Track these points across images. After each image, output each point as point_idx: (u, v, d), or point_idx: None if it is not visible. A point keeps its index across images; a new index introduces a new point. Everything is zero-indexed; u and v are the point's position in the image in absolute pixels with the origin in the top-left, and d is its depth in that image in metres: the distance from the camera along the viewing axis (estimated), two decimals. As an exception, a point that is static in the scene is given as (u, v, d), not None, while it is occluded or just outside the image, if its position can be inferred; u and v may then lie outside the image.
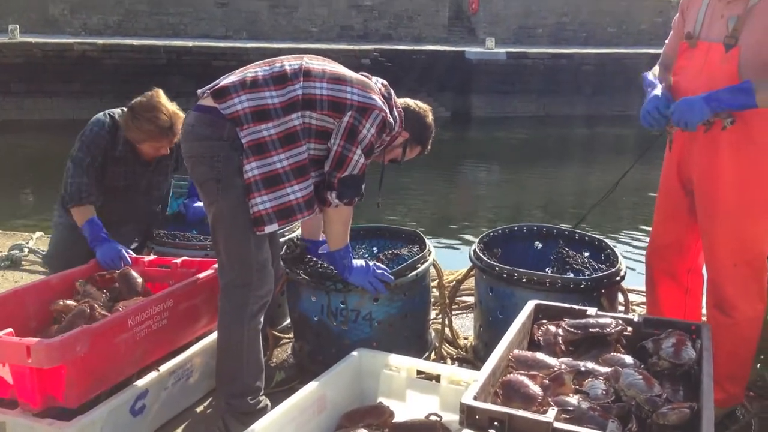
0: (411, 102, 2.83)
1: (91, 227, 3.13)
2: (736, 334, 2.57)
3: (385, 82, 2.72)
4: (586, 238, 3.30)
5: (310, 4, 19.21)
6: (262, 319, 2.61)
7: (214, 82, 2.55)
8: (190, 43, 15.61)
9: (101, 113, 3.36)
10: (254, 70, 2.53)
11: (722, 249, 2.55)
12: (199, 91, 2.56)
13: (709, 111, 2.35)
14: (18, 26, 14.75)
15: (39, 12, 16.66)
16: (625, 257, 3.11)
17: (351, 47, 17.15)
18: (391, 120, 2.62)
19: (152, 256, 3.18)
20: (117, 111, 3.33)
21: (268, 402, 2.57)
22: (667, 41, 2.81)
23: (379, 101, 2.56)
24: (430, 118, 2.86)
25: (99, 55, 14.50)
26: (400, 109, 2.73)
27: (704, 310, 2.78)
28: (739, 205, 2.49)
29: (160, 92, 3.22)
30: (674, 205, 2.75)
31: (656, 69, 2.79)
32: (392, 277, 2.82)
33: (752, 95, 2.29)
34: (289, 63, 2.55)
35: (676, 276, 2.82)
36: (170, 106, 3.21)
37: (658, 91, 2.58)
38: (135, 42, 15.27)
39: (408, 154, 2.86)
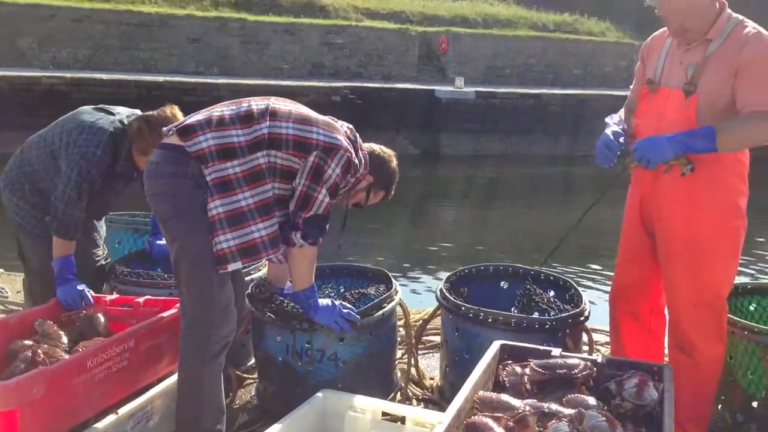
0: (376, 147, 2.85)
1: (63, 264, 3.00)
2: (697, 375, 2.60)
3: (351, 126, 2.74)
4: (551, 277, 3.33)
5: (281, 41, 19.33)
6: (223, 360, 2.58)
7: (180, 121, 2.55)
8: (160, 78, 15.59)
9: (95, 125, 3.08)
10: (221, 109, 2.54)
11: (682, 290, 2.60)
12: (164, 129, 2.56)
13: (671, 152, 2.43)
14: (-16, 59, 14.66)
15: (7, 45, 16.51)
16: (589, 296, 3.14)
17: (322, 84, 17.27)
18: (356, 161, 2.63)
19: (114, 295, 3.13)
20: (114, 121, 3.13)
21: None
22: (632, 87, 2.89)
23: (344, 141, 2.58)
24: (395, 163, 2.87)
25: (67, 89, 14.38)
26: (365, 152, 2.73)
27: (667, 351, 2.81)
28: (697, 245, 2.54)
29: (176, 108, 3.12)
30: (636, 247, 2.79)
31: (621, 111, 2.87)
32: (358, 316, 2.81)
33: (714, 140, 2.38)
34: (255, 103, 2.56)
35: (638, 316, 2.86)
36: None
37: (611, 129, 2.66)
38: (104, 76, 15.20)
39: (371, 199, 2.86)
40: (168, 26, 18.11)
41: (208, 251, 2.44)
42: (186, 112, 2.69)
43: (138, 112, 3.24)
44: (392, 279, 3.26)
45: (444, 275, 3.39)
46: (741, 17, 2.53)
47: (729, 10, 2.52)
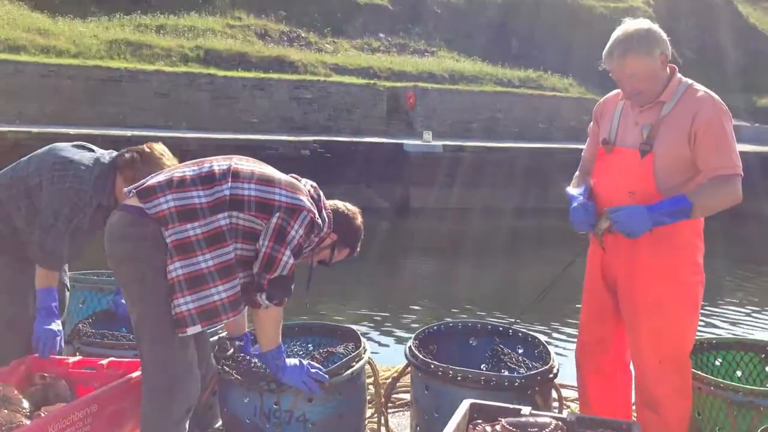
0: (340, 204, 2.87)
1: (47, 296, 2.96)
2: None
3: (315, 184, 2.76)
4: (519, 334, 3.34)
5: (251, 96, 19.47)
6: (187, 426, 2.53)
7: (140, 182, 2.55)
8: (128, 133, 15.53)
9: (83, 162, 3.09)
10: (182, 170, 2.55)
11: (647, 346, 2.63)
12: (125, 189, 2.57)
13: (651, 224, 2.49)
14: (-50, 114, 14.53)
15: (-27, 100, 16.45)
16: (557, 352, 3.15)
17: (291, 138, 17.36)
18: (320, 221, 2.65)
19: (77, 357, 3.07)
20: (98, 158, 3.16)
21: None
22: (585, 147, 2.96)
23: (307, 202, 2.59)
24: (359, 220, 2.88)
25: (33, 144, 14.20)
26: (329, 210, 2.77)
27: (635, 408, 2.82)
28: (659, 302, 2.58)
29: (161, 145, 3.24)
30: (599, 305, 2.83)
31: (576, 175, 2.93)
32: (327, 376, 2.79)
33: (689, 213, 2.48)
34: (217, 163, 2.57)
35: (604, 373, 2.88)
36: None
37: (579, 197, 2.71)
38: (72, 131, 15.10)
39: (336, 256, 2.87)
40: (137, 81, 18.14)
41: (168, 314, 2.41)
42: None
43: (113, 152, 3.27)
44: (361, 337, 3.24)
45: (413, 330, 3.38)
46: (690, 81, 2.65)
47: (679, 75, 2.64)
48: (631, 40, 2.55)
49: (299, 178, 2.76)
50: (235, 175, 2.53)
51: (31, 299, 3.12)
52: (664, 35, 2.60)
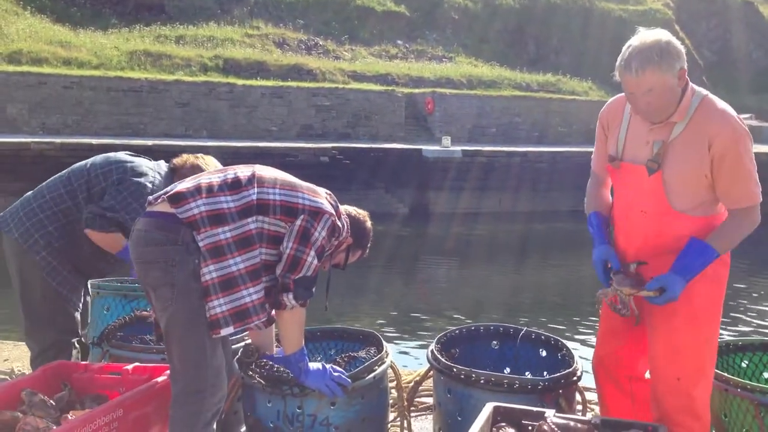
0: (351, 209, 2.94)
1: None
2: None
3: (329, 192, 2.83)
4: (542, 337, 3.32)
5: (269, 104, 19.61)
6: (214, 427, 2.55)
7: (167, 189, 2.60)
8: (149, 142, 15.70)
9: (143, 161, 3.44)
10: (208, 177, 2.61)
11: (663, 361, 2.60)
12: (150, 197, 2.62)
13: (685, 283, 2.45)
14: (-26, 126, 14.79)
15: (-3, 112, 16.72)
16: (582, 353, 3.13)
17: (310, 145, 17.45)
18: (340, 225, 2.72)
19: (104, 362, 3.10)
20: (155, 168, 3.44)
21: None
22: (593, 155, 2.87)
23: (328, 206, 2.66)
24: (369, 223, 2.97)
25: (57, 154, 14.45)
26: (346, 216, 2.83)
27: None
28: (696, 317, 2.56)
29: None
30: (618, 322, 2.80)
31: (589, 191, 2.87)
32: (349, 380, 2.79)
33: (713, 257, 2.44)
34: (241, 171, 2.64)
35: (618, 383, 2.86)
36: None
37: (600, 248, 2.66)
38: (94, 141, 15.31)
39: (350, 259, 2.95)
40: (157, 91, 18.36)
41: (201, 317, 2.45)
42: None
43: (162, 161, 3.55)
44: (383, 341, 3.24)
45: (435, 334, 3.38)
46: (704, 93, 2.52)
47: (692, 85, 2.51)
48: (651, 53, 2.37)
49: (315, 186, 2.81)
50: (260, 180, 2.59)
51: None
52: (682, 48, 2.45)
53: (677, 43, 2.44)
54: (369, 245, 2.99)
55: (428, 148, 18.60)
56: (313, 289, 2.63)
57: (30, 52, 18.47)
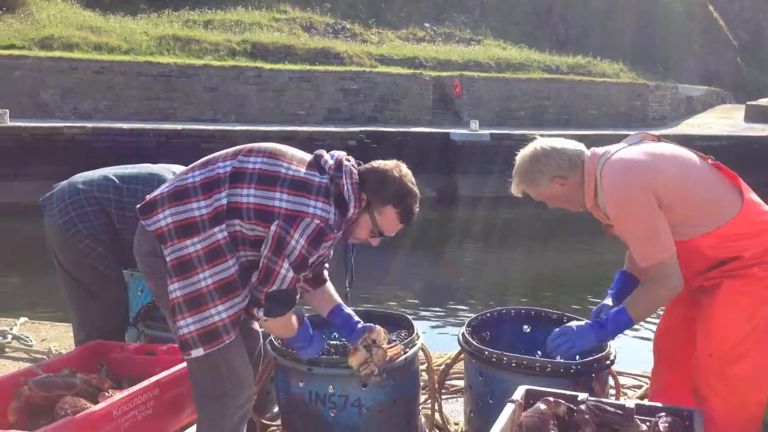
0: (375, 162, 2.49)
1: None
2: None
3: (343, 155, 2.46)
4: (575, 321, 3.30)
5: (297, 88, 19.61)
6: (244, 430, 2.51)
7: (152, 195, 2.44)
8: (179, 126, 15.83)
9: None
10: (187, 175, 2.40)
11: (699, 335, 2.58)
12: (138, 205, 2.46)
13: (596, 340, 2.63)
14: (8, 111, 14.94)
15: (30, 98, 16.87)
16: (614, 340, 3.10)
17: (338, 129, 17.44)
18: (330, 223, 2.32)
19: (139, 342, 3.15)
20: None
21: None
22: None
23: (311, 206, 2.29)
24: (396, 172, 2.42)
25: (89, 139, 14.64)
26: (356, 180, 2.39)
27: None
28: (721, 296, 2.53)
29: None
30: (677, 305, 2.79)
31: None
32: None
33: (628, 319, 2.56)
34: (223, 163, 2.38)
35: (675, 360, 2.81)
36: None
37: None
38: (125, 125, 15.47)
39: (382, 222, 2.43)
40: (186, 76, 18.45)
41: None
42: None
43: None
44: (413, 323, 3.25)
45: (465, 318, 3.38)
46: (602, 162, 2.61)
47: (588, 163, 2.63)
48: (519, 172, 2.64)
49: (320, 156, 2.44)
50: (234, 178, 2.32)
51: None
52: (554, 154, 2.60)
53: (548, 150, 2.62)
54: (406, 199, 2.42)
55: (456, 131, 18.49)
56: (292, 302, 2.38)
57: (61, 38, 18.66)
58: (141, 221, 2.39)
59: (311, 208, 2.28)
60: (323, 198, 2.31)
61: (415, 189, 2.44)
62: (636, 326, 2.95)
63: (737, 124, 22.78)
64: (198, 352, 2.32)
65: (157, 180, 3.32)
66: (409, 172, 2.46)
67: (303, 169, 2.37)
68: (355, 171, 2.40)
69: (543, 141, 2.68)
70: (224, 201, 2.29)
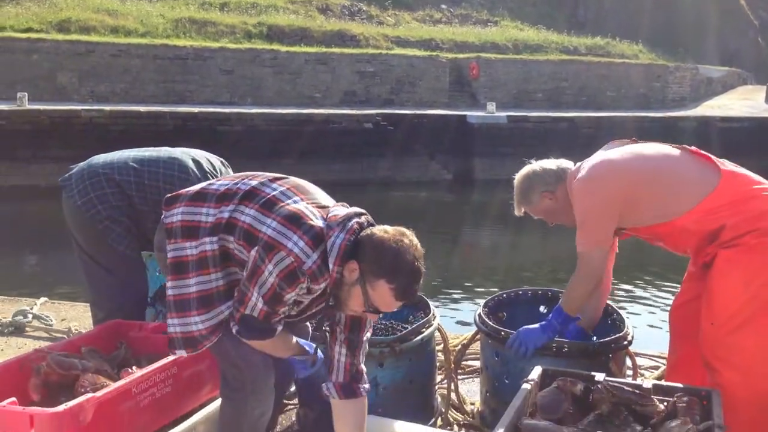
0: (377, 229, 2.21)
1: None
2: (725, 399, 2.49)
3: (360, 211, 2.27)
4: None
5: (313, 71, 19.57)
6: (265, 424, 2.50)
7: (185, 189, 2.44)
8: (195, 109, 15.87)
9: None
10: (220, 180, 2.41)
11: (704, 305, 2.58)
12: (168, 195, 2.44)
13: (546, 339, 2.78)
14: (26, 94, 15.04)
15: (48, 81, 16.97)
16: (632, 320, 3.10)
17: (354, 112, 17.41)
18: (312, 268, 2.12)
19: (157, 322, 3.18)
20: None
21: None
22: None
23: (292, 242, 2.12)
24: (395, 243, 2.13)
25: (106, 122, 14.72)
26: (349, 239, 2.15)
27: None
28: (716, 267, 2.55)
29: None
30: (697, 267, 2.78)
31: None
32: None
33: (567, 317, 2.78)
34: (248, 181, 2.34)
35: (690, 336, 2.79)
36: None
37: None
38: (142, 108, 15.52)
39: (374, 297, 2.15)
40: (202, 59, 18.46)
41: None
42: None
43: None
44: (430, 304, 3.25)
45: (481, 300, 3.37)
46: (575, 175, 2.77)
47: (568, 179, 2.80)
48: (516, 192, 2.92)
49: (346, 208, 2.29)
50: (246, 196, 2.27)
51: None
52: (540, 171, 2.86)
53: (537, 169, 2.88)
54: (404, 279, 2.12)
55: (473, 113, 18.40)
56: (265, 333, 2.24)
57: (78, 21, 18.71)
58: (163, 211, 2.40)
59: (291, 243, 2.12)
60: (310, 240, 2.14)
61: (418, 264, 2.14)
62: (654, 307, 2.94)
63: (758, 106, 22.47)
64: (182, 353, 2.31)
65: (177, 164, 3.34)
66: (415, 243, 2.18)
67: (310, 206, 2.25)
68: (355, 230, 2.18)
69: (534, 162, 2.95)
70: (226, 215, 2.25)
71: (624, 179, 2.66)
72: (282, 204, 2.22)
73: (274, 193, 2.26)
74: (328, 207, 2.28)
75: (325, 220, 2.19)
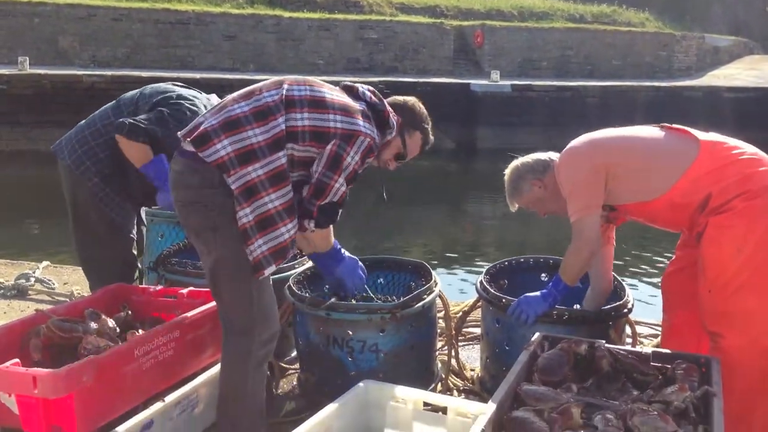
0: (397, 98, 2.81)
1: (158, 167, 3.13)
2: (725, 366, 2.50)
3: (373, 89, 2.69)
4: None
5: (316, 37, 19.40)
6: (266, 368, 2.57)
7: (192, 125, 2.48)
8: (197, 75, 15.74)
9: (183, 95, 3.40)
10: (232, 106, 2.44)
11: (700, 272, 2.59)
12: (179, 133, 2.50)
13: (547, 307, 2.81)
14: (27, 58, 14.94)
15: (50, 45, 16.86)
16: (632, 288, 3.10)
17: (357, 79, 17.23)
18: (377, 142, 2.56)
19: (160, 286, 3.19)
20: (201, 99, 3.50)
21: None
22: None
23: (362, 125, 2.49)
24: (419, 105, 2.80)
25: (107, 87, 14.61)
26: (389, 110, 2.65)
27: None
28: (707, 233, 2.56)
29: None
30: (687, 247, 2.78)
31: None
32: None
33: (563, 285, 2.81)
34: (269, 93, 2.46)
35: (687, 306, 2.80)
36: None
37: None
38: (144, 74, 15.40)
39: (410, 145, 2.74)
40: (204, 24, 18.30)
41: (244, 259, 2.38)
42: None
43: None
44: (432, 271, 3.26)
45: (483, 268, 3.38)
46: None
47: (556, 165, 2.85)
48: (507, 186, 2.97)
49: (353, 86, 2.66)
50: (288, 104, 2.43)
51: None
52: (528, 161, 2.93)
53: (525, 162, 2.93)
54: (428, 127, 2.79)
55: (477, 82, 18.27)
56: (338, 214, 2.55)
57: (79, -16, 18.54)
58: (185, 155, 2.43)
59: (362, 128, 2.48)
60: (367, 120, 2.53)
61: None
62: (655, 277, 2.95)
63: (764, 76, 22.24)
64: (271, 269, 2.42)
65: (149, 88, 3.44)
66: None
67: (344, 95, 2.57)
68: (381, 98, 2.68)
69: (521, 157, 3.02)
70: (283, 126, 2.39)
71: (607, 151, 2.75)
72: (326, 99, 2.48)
73: (308, 93, 2.48)
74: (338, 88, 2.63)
75: (354, 99, 2.58)
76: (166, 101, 3.29)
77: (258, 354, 2.48)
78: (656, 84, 19.46)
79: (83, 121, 3.48)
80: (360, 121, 2.49)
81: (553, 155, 2.93)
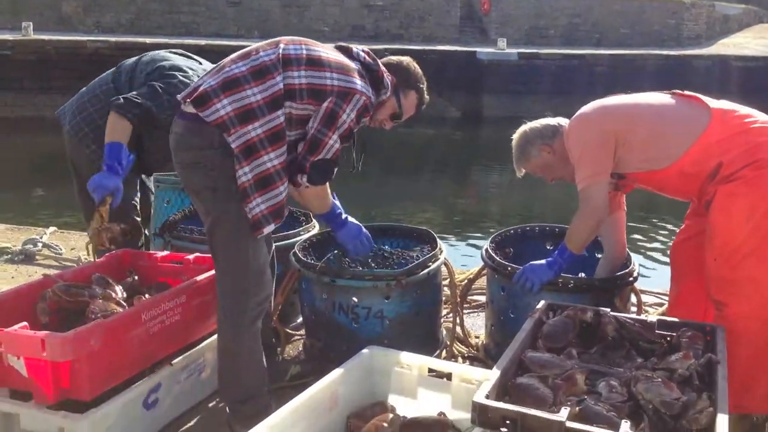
0: (391, 58, 2.81)
1: (116, 149, 3.00)
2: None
3: (367, 49, 2.68)
4: (598, 238, 3.29)
5: (321, 4, 19.23)
6: (260, 325, 2.60)
7: (192, 87, 2.50)
8: (202, 42, 15.64)
9: (177, 67, 3.29)
10: (230, 67, 2.46)
11: (706, 241, 2.58)
12: (179, 96, 2.52)
13: (552, 275, 2.80)
14: (31, 24, 14.86)
15: (53, 10, 16.76)
16: (637, 257, 3.10)
17: (362, 46, 17.14)
18: (372, 101, 2.56)
19: (166, 252, 3.20)
20: (196, 69, 3.36)
21: (272, 405, 2.51)
22: None
23: (359, 84, 2.50)
24: (414, 65, 2.81)
25: (111, 53, 14.53)
26: (383, 70, 2.65)
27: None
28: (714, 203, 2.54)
29: None
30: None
31: None
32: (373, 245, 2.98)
33: (569, 254, 2.77)
34: (265, 53, 2.47)
35: (695, 273, 2.79)
36: None
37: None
38: (148, 40, 15.31)
39: (405, 104, 2.76)
40: (209, -10, 18.16)
41: (243, 219, 2.41)
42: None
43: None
44: (437, 239, 3.26)
45: (489, 236, 3.38)
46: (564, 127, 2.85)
47: (565, 131, 2.82)
48: (514, 151, 2.93)
49: (349, 46, 2.66)
50: (285, 63, 2.44)
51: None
52: (537, 125, 2.88)
53: (533, 127, 2.90)
54: (423, 86, 2.80)
55: (483, 50, 18.10)
56: (333, 172, 2.56)
57: (82, -52, 18.34)
58: (185, 117, 2.43)
59: (359, 86, 2.48)
60: (362, 78, 2.53)
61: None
62: (661, 245, 2.94)
63: (774, 45, 22.01)
64: (270, 228, 2.45)
65: (148, 56, 3.39)
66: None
67: (340, 55, 2.58)
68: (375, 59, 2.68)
69: (529, 122, 2.97)
70: (281, 85, 2.40)
71: (617, 118, 2.71)
72: (323, 57, 2.49)
73: (304, 51, 2.49)
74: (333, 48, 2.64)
75: (349, 59, 2.58)
76: (159, 73, 3.22)
77: (252, 313, 2.53)
78: (665, 52, 19.25)
79: (84, 88, 3.46)
80: (356, 79, 2.50)
81: (563, 120, 2.89)
